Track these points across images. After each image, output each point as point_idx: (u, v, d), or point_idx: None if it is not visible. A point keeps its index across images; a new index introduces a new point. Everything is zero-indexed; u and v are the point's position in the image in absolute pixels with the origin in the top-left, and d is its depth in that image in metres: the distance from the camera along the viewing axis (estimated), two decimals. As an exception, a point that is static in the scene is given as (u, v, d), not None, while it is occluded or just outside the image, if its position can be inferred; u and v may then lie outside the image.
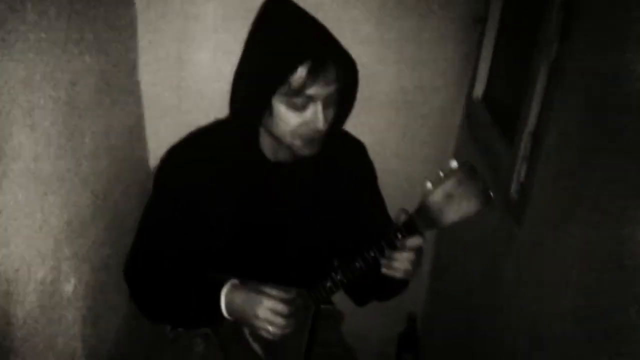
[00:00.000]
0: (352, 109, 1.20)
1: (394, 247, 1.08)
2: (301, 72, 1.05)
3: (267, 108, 1.11)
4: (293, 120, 1.10)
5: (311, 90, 1.07)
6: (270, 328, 1.11)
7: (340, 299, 1.46)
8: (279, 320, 1.10)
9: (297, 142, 1.13)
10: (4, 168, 0.91)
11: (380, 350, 2.10)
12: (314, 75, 1.06)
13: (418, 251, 1.10)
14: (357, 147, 1.35)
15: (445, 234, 1.87)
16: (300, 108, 1.09)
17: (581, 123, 1.00)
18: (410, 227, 1.06)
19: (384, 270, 1.11)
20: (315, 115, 1.09)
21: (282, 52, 1.08)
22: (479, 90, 1.61)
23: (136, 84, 1.64)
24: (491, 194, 1.02)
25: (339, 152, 1.30)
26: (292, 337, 1.17)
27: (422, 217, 1.05)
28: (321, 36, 1.11)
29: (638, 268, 0.79)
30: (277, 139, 1.16)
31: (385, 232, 1.09)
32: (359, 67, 1.65)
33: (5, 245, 0.93)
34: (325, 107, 1.10)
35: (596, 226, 0.92)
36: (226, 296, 1.14)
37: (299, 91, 1.06)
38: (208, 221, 1.23)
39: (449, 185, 1.02)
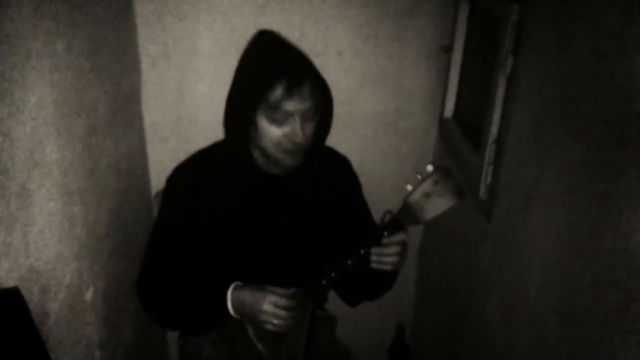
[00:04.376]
0: (330, 125, 1.34)
1: (381, 244, 1.22)
2: (278, 90, 1.18)
3: (252, 124, 1.24)
4: (275, 133, 1.23)
5: (289, 106, 1.19)
6: (274, 321, 1.23)
7: (333, 309, 1.60)
8: (282, 313, 1.22)
9: (281, 154, 1.26)
10: (41, 180, 1.05)
11: (371, 361, 2.21)
12: (290, 91, 1.18)
13: (403, 245, 1.24)
14: (342, 162, 1.49)
15: (427, 239, 2.02)
16: (281, 122, 1.22)
17: (536, 129, 1.17)
18: (395, 225, 1.21)
19: (374, 265, 1.23)
20: (294, 129, 1.22)
21: (262, 72, 1.22)
22: (449, 109, 1.79)
23: (139, 115, 1.79)
24: (463, 190, 1.18)
25: (327, 167, 1.44)
26: (293, 334, 1.29)
27: (405, 215, 1.19)
28: (296, 58, 1.26)
29: (584, 254, 0.95)
30: (265, 153, 1.29)
31: (373, 232, 1.23)
32: (342, 93, 1.85)
33: (41, 248, 1.05)
34: (303, 121, 1.22)
35: (551, 218, 1.08)
36: (232, 295, 1.26)
37: (277, 106, 1.19)
38: (211, 232, 1.35)
39: (426, 185, 1.17)
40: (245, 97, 1.24)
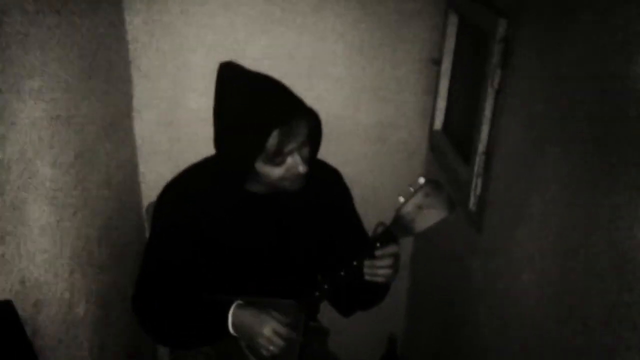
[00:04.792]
0: (320, 141, 1.33)
1: (374, 256, 1.23)
2: (273, 139, 1.17)
3: (251, 164, 1.22)
4: (277, 173, 1.23)
5: (287, 148, 1.19)
6: (270, 347, 1.24)
7: (324, 321, 1.61)
8: (279, 341, 1.24)
9: (286, 184, 1.27)
10: (34, 195, 1.05)
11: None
12: (285, 136, 1.18)
13: (395, 257, 1.25)
14: (333, 174, 1.49)
15: (419, 250, 2.03)
16: (281, 162, 1.22)
17: (524, 140, 1.19)
18: (387, 236, 1.21)
19: (367, 277, 1.24)
20: (295, 164, 1.22)
21: (254, 126, 1.19)
22: (438, 121, 1.81)
23: (131, 129, 1.80)
24: (454, 203, 1.20)
25: (318, 180, 1.44)
26: (286, 346, 1.30)
27: (397, 227, 1.20)
28: (285, 101, 1.22)
29: (573, 263, 0.96)
30: (265, 182, 1.29)
31: (365, 244, 1.24)
32: (333, 106, 1.87)
33: (33, 262, 1.05)
34: (301, 152, 1.22)
35: (541, 228, 1.09)
36: (233, 315, 1.27)
37: (277, 153, 1.19)
38: (204, 248, 1.35)
39: (418, 198, 1.18)
40: (242, 153, 1.22)
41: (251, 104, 1.21)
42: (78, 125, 1.28)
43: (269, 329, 1.23)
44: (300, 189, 1.30)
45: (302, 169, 1.23)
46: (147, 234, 1.63)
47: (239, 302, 1.29)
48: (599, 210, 0.89)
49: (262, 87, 1.24)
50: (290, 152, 1.21)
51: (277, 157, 1.20)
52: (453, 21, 1.68)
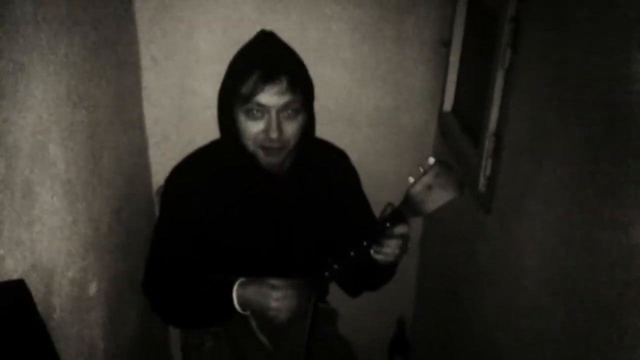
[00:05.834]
0: (314, 120, 1.33)
1: (383, 236, 1.23)
2: (250, 82, 1.19)
3: (232, 119, 1.25)
4: (252, 128, 1.23)
5: (262, 99, 1.19)
6: (282, 315, 1.26)
7: (334, 303, 1.61)
8: (287, 304, 1.25)
9: (259, 151, 1.27)
10: (45, 176, 1.06)
11: (372, 355, 2.22)
12: (262, 84, 1.19)
13: (404, 238, 1.25)
14: (339, 155, 1.50)
15: (428, 233, 2.03)
16: (257, 118, 1.22)
17: (534, 122, 1.18)
18: (397, 216, 1.22)
19: (374, 255, 1.25)
20: (269, 124, 1.22)
21: (237, 66, 1.25)
22: (448, 103, 1.80)
23: (141, 113, 1.81)
24: (465, 183, 1.19)
25: (324, 161, 1.45)
26: (295, 325, 1.31)
27: (407, 207, 1.20)
28: (277, 53, 1.25)
29: (581, 245, 0.96)
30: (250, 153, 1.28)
31: (374, 224, 1.24)
32: (341, 90, 1.86)
33: (45, 243, 1.06)
34: (284, 119, 1.23)
35: (549, 210, 1.09)
36: (237, 292, 1.28)
37: (250, 99, 1.20)
38: (210, 231, 1.37)
39: (428, 178, 1.18)
40: (222, 92, 1.26)
41: (245, 53, 1.26)
42: (88, 109, 1.28)
43: (274, 300, 1.24)
44: (301, 167, 1.31)
45: (274, 133, 1.22)
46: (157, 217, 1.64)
47: (242, 280, 1.30)
48: (608, 194, 0.89)
49: (268, 44, 1.27)
50: (267, 109, 1.21)
51: (251, 106, 1.20)
52: (462, 1, 1.67)
